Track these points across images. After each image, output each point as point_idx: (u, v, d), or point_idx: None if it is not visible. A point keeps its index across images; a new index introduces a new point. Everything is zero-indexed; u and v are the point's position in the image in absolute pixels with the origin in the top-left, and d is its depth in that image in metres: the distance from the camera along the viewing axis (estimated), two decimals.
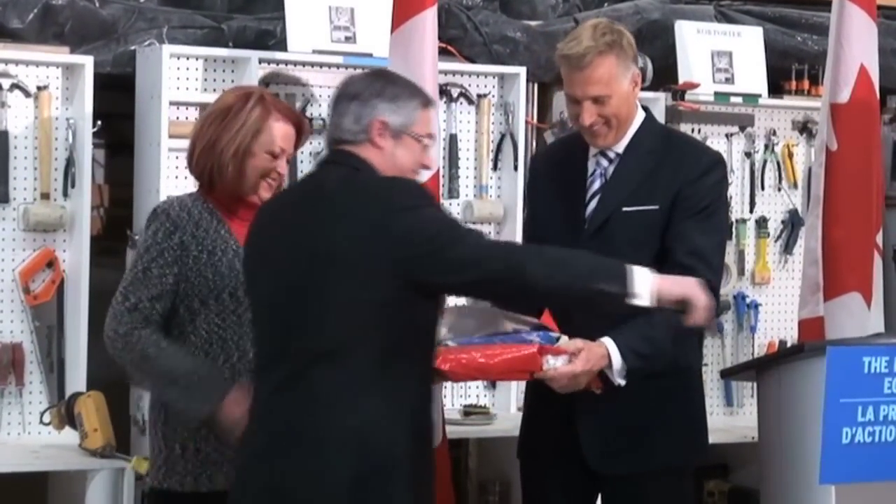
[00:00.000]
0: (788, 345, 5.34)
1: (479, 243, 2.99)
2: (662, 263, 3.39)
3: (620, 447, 3.49)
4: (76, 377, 4.48)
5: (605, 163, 3.54)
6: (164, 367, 3.25)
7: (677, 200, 3.44)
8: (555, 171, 3.64)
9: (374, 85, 3.09)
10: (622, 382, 3.36)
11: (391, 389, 2.93)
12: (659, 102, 5.20)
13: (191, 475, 3.30)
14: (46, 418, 4.43)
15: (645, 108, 3.61)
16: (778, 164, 5.52)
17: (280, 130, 3.37)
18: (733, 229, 5.44)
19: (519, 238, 4.80)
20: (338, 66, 4.80)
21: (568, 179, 3.57)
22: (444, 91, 4.92)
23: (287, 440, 2.93)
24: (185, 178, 4.57)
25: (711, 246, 3.44)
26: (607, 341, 3.34)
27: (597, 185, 3.53)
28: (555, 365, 3.24)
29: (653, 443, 3.51)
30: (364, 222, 2.91)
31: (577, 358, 3.26)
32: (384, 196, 2.96)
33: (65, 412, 4.35)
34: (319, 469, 2.88)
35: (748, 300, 5.50)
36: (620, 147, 3.53)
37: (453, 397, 4.97)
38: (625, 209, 3.46)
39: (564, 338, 3.30)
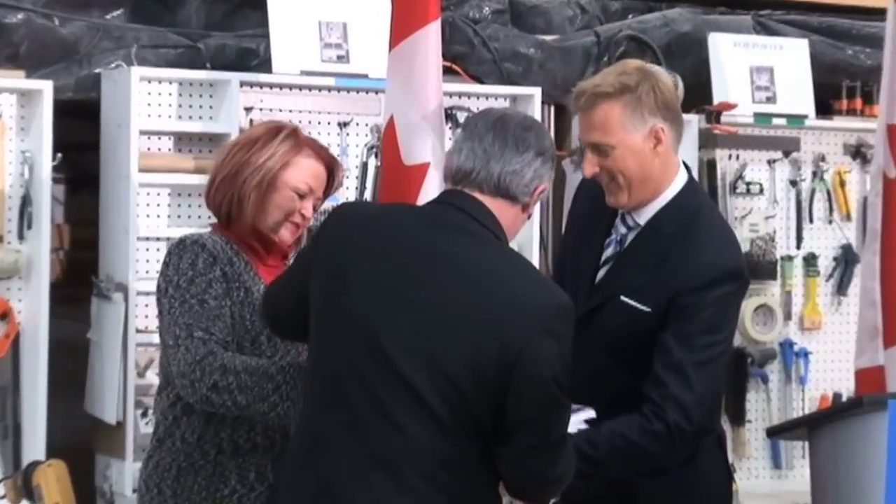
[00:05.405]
0: (844, 398, 5.36)
1: (570, 459, 3.08)
2: (648, 369, 3.41)
3: None
4: (34, 444, 4.51)
5: (622, 230, 3.52)
6: (252, 368, 3.23)
7: (672, 307, 3.40)
8: (591, 209, 3.62)
9: (553, 147, 3.15)
10: None
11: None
12: (691, 126, 5.22)
13: None
14: (0, 491, 4.37)
15: (689, 177, 3.52)
16: (828, 193, 5.57)
17: (309, 168, 3.44)
18: (778, 267, 5.49)
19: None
20: (329, 88, 4.86)
21: (594, 229, 3.58)
22: (449, 115, 4.92)
23: None
24: (158, 216, 4.73)
25: (694, 361, 3.38)
26: None
27: (610, 251, 3.54)
28: None
29: None
30: (506, 344, 2.90)
31: None
32: (539, 324, 2.94)
33: (21, 484, 4.27)
34: None
35: (797, 348, 5.54)
36: (643, 217, 3.49)
37: None
38: (622, 298, 3.45)
39: None
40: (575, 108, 3.47)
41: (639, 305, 3.42)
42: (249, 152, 3.41)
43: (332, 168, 3.49)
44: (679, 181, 3.49)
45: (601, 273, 3.52)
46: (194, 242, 3.37)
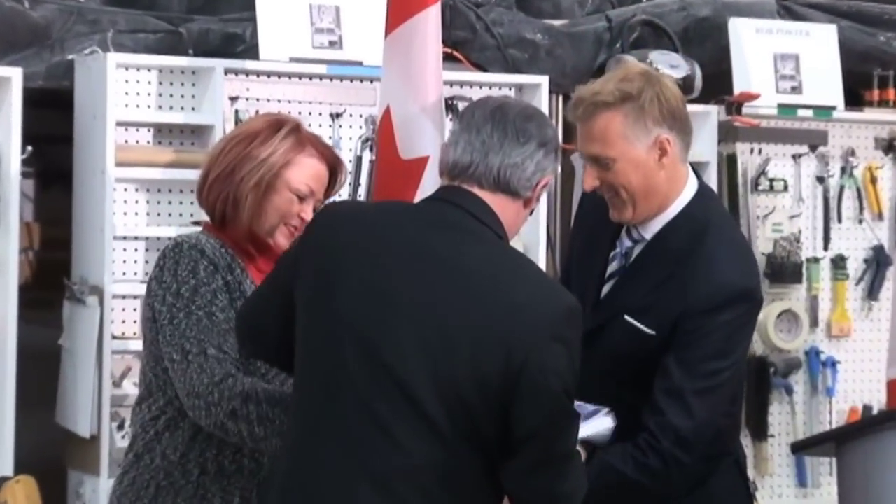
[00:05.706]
0: (875, 411, 5.39)
1: (580, 476, 3.05)
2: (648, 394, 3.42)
3: None
4: (2, 459, 4.48)
5: (628, 243, 3.49)
6: (275, 398, 3.21)
7: (677, 330, 3.37)
8: (597, 217, 3.57)
9: (557, 137, 3.11)
10: None
11: None
12: (710, 117, 5.26)
13: None
14: None
15: (700, 187, 3.47)
16: (858, 190, 5.57)
17: (311, 168, 3.39)
18: (804, 270, 5.46)
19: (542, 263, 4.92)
20: (321, 76, 4.85)
21: (600, 240, 3.55)
22: (450, 105, 4.87)
23: None
24: (136, 213, 4.72)
25: (696, 389, 3.35)
26: None
27: (615, 265, 3.51)
28: None
29: None
30: (509, 357, 2.86)
31: None
32: (545, 330, 2.90)
33: None
34: None
35: (823, 357, 5.54)
36: (649, 232, 3.45)
37: None
38: (626, 318, 3.43)
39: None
40: (573, 118, 3.42)
41: (643, 327, 3.40)
42: (248, 147, 3.36)
43: (334, 168, 3.45)
44: (688, 192, 3.44)
45: (606, 288, 3.50)
46: (192, 247, 3.31)
